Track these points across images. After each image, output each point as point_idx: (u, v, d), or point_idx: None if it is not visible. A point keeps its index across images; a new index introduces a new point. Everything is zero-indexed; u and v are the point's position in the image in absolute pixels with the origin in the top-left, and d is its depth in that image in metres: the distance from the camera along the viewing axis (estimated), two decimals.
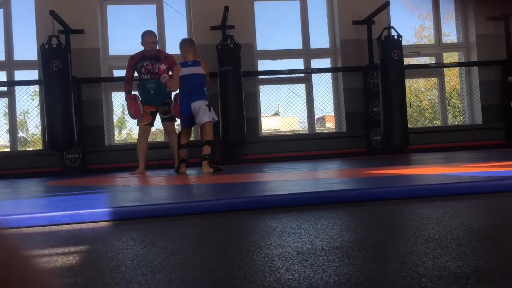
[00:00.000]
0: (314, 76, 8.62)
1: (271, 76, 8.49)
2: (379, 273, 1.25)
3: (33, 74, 8.07)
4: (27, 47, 8.44)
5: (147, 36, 6.15)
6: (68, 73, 7.14)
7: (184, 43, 5.73)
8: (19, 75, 8.19)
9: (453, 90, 11.22)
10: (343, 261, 1.40)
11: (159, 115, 6.29)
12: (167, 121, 6.26)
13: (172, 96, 6.12)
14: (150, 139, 9.24)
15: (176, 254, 1.63)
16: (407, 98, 8.18)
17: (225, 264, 1.46)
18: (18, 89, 8.09)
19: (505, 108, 8.47)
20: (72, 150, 7.43)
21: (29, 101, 8.48)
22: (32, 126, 9.30)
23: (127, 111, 6.35)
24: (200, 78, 5.55)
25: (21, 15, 8.27)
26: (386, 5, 7.71)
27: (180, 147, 5.74)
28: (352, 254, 1.49)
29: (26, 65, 8.19)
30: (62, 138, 6.99)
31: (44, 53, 7.04)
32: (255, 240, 1.82)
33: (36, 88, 8.42)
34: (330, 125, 10.02)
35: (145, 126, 6.26)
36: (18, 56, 8.21)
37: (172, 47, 8.44)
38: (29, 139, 9.68)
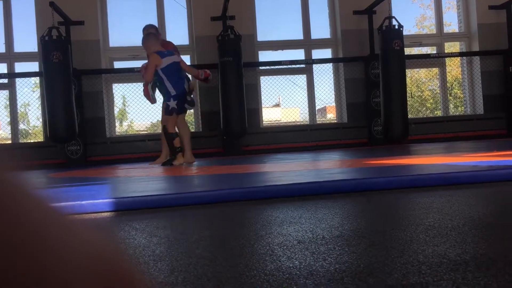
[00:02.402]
0: (315, 67, 8.60)
1: (272, 67, 8.47)
2: (379, 261, 1.26)
3: (34, 66, 8.06)
4: (27, 39, 8.44)
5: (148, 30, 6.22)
6: (69, 65, 7.13)
7: (151, 38, 5.75)
8: (20, 67, 8.19)
9: (455, 80, 11.19)
10: (343, 250, 1.41)
11: None
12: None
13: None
14: (151, 130, 9.28)
15: (178, 244, 1.64)
16: (408, 89, 8.17)
17: (226, 253, 1.47)
18: (18, 81, 8.09)
19: (507, 98, 8.45)
20: (74, 142, 7.44)
21: (30, 93, 8.48)
22: (33, 118, 9.31)
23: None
24: (179, 65, 5.71)
25: (21, 6, 8.24)
26: None
27: (173, 136, 5.72)
28: (353, 243, 1.50)
29: (26, 57, 8.18)
30: (63, 130, 7.00)
31: (44, 45, 7.03)
32: (256, 229, 1.83)
33: (36, 80, 8.41)
34: (331, 116, 10.01)
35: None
36: (18, 48, 8.20)
37: (173, 39, 8.42)
38: (30, 131, 9.69)
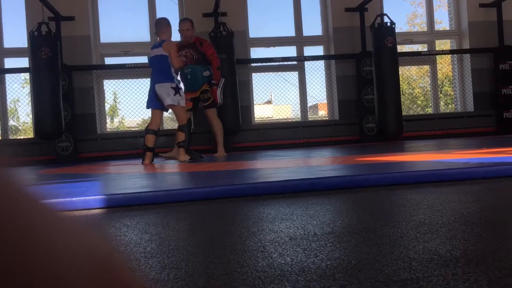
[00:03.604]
0: (307, 64, 8.60)
1: (264, 64, 8.46)
2: (370, 257, 1.27)
3: (24, 62, 7.99)
4: (17, 34, 8.35)
5: (179, 24, 6.29)
6: (57, 61, 7.06)
7: (157, 23, 5.68)
8: (9, 62, 8.11)
9: (445, 78, 11.26)
10: (335, 246, 1.42)
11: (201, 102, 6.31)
12: (208, 108, 6.26)
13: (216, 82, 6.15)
14: (142, 127, 9.24)
15: (169, 240, 1.64)
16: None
17: (218, 250, 1.47)
18: (8, 77, 8.01)
19: (497, 95, 8.51)
20: (64, 138, 7.39)
21: (19, 89, 8.41)
22: (23, 114, 9.23)
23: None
24: (161, 59, 5.44)
25: (10, 1, 8.15)
26: None
27: (147, 132, 5.58)
28: (344, 239, 1.51)
29: (16, 52, 8.10)
30: (50, 127, 6.93)
31: (33, 40, 6.96)
32: (248, 226, 1.83)
33: (26, 76, 8.34)
34: (322, 113, 10.03)
35: (187, 112, 6.15)
36: (8, 43, 8.12)
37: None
38: (20, 127, 9.62)
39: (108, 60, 8.29)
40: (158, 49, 5.48)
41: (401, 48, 9.05)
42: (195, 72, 6.11)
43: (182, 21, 6.31)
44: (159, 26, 5.58)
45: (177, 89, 5.45)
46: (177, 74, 5.67)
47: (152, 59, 5.52)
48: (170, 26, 5.68)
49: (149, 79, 8.39)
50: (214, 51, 6.21)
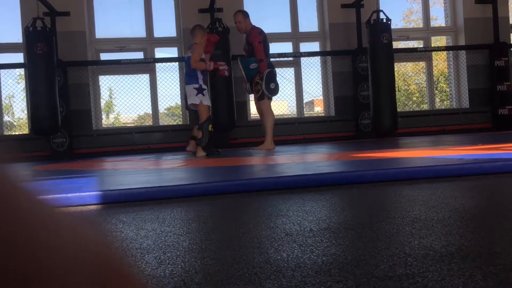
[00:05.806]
0: (303, 60, 8.59)
1: None
2: (366, 253, 1.27)
3: (18, 57, 7.94)
4: (11, 29, 8.29)
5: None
6: (53, 57, 7.03)
7: (191, 29, 5.96)
8: (4, 58, 8.06)
9: (441, 74, 11.28)
10: (331, 242, 1.42)
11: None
12: (257, 100, 6.25)
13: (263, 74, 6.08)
14: (138, 123, 9.22)
15: (165, 236, 1.64)
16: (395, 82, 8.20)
17: (214, 245, 1.47)
18: (3, 73, 7.97)
19: (492, 92, 8.54)
20: (59, 134, 7.36)
21: (14, 85, 8.36)
22: (18, 110, 9.19)
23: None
24: (188, 60, 5.77)
25: None
26: None
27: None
28: (340, 235, 1.51)
29: (10, 48, 8.05)
30: (46, 123, 6.91)
31: (28, 36, 6.92)
32: (244, 222, 1.83)
33: (21, 71, 8.29)
34: (318, 109, 10.03)
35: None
36: (2, 38, 8.07)
37: (160, 30, 8.35)
38: (15, 123, 9.57)
39: (104, 56, 8.25)
40: (188, 51, 5.83)
41: (397, 45, 9.05)
42: (244, 65, 6.19)
43: (234, 14, 6.35)
44: (191, 31, 5.90)
45: (200, 89, 5.65)
46: (205, 75, 5.81)
47: (185, 61, 5.88)
48: (202, 31, 5.85)
49: (146, 75, 8.40)
50: (259, 42, 6.09)
